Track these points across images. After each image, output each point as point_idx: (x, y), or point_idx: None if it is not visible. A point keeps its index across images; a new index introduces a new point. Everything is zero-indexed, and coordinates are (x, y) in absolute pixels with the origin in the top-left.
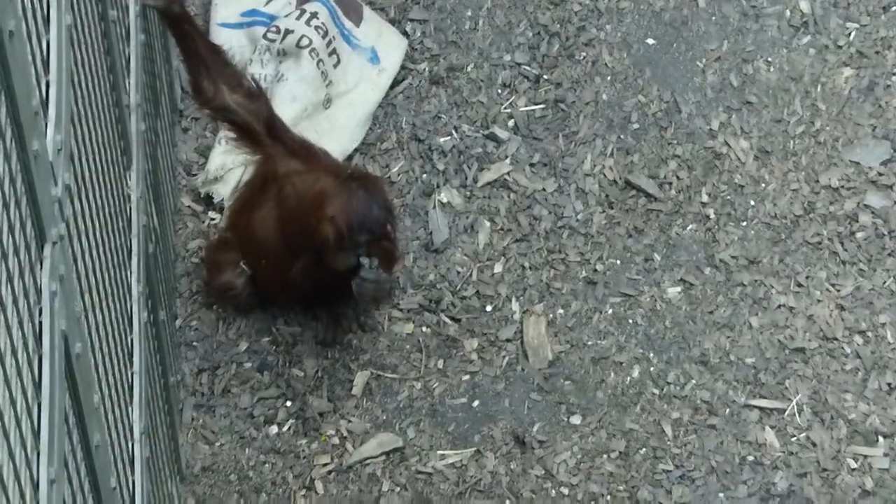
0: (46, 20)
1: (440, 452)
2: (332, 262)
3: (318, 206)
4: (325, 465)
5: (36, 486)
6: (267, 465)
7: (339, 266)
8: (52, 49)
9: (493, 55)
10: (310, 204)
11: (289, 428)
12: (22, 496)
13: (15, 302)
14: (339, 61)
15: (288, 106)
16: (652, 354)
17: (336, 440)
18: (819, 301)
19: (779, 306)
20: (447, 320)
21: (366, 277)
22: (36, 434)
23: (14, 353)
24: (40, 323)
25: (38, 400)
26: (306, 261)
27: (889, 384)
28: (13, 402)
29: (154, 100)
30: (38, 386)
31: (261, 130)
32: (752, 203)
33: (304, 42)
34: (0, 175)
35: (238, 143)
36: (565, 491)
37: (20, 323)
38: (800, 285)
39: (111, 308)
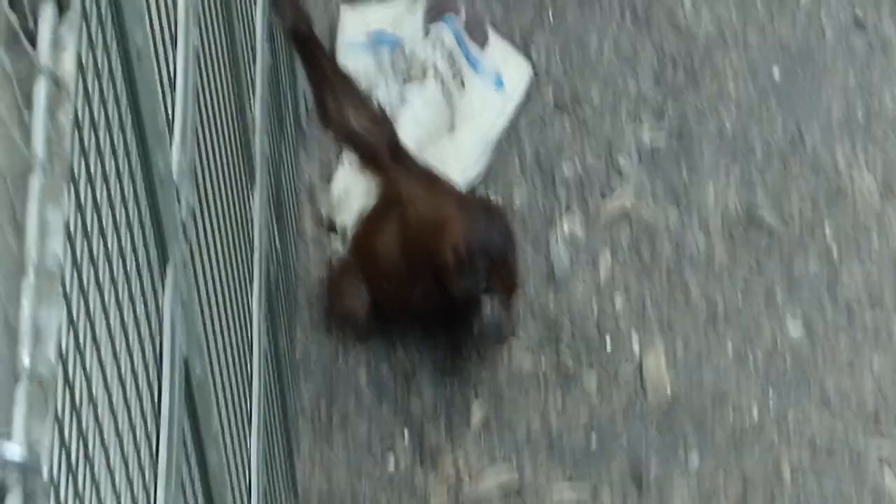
0: (174, 39)
1: (557, 488)
2: (452, 288)
3: (439, 231)
4: (441, 498)
5: None
6: (383, 497)
7: (459, 292)
8: (179, 69)
9: (618, 83)
10: (432, 229)
11: (406, 459)
12: None
13: (136, 324)
14: (463, 86)
15: (412, 130)
16: (771, 395)
17: (453, 473)
18: None
19: None
20: (567, 354)
21: (487, 320)
22: (154, 458)
23: (135, 376)
24: (161, 346)
25: (158, 424)
26: (428, 287)
27: None
28: (133, 427)
29: (279, 121)
30: (157, 410)
31: (384, 154)
32: (877, 239)
33: (430, 66)
34: (124, 195)
35: (362, 166)
36: None
37: (141, 346)
38: None
39: (232, 332)
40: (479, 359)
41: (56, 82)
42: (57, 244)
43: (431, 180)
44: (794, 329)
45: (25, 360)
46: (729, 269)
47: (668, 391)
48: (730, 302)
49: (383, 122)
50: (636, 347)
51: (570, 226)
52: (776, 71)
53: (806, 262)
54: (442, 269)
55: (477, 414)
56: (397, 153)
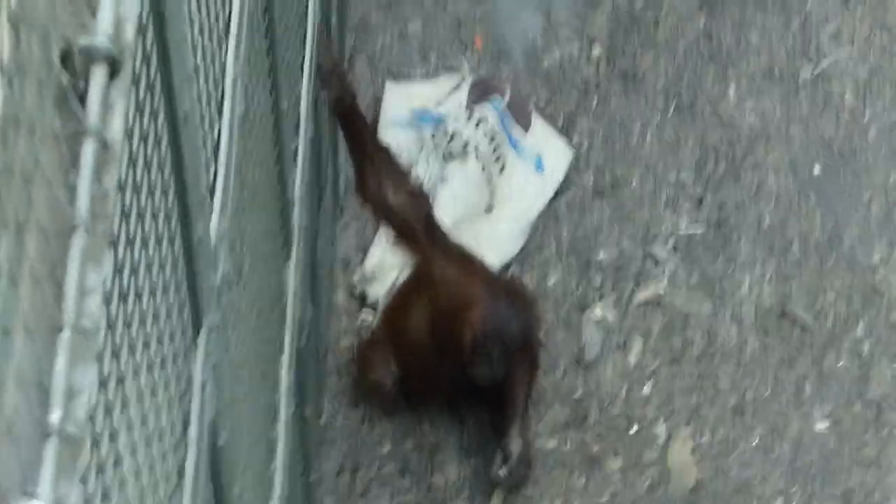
0: (220, 107)
1: None
2: (469, 370)
3: (463, 311)
4: None
5: None
6: None
7: (475, 375)
8: (224, 137)
9: (658, 171)
10: (457, 310)
11: None
12: None
13: (166, 387)
14: (504, 167)
15: (450, 208)
16: (795, 487)
17: None
18: None
19: None
20: (592, 438)
21: (503, 471)
22: None
23: (160, 437)
24: (188, 410)
25: (181, 487)
26: (454, 365)
27: None
28: (156, 488)
29: (318, 193)
30: (181, 473)
31: (420, 232)
32: None
33: (471, 146)
34: (162, 259)
35: (397, 242)
36: None
37: (169, 408)
38: None
39: (258, 399)
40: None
41: (104, 144)
42: (94, 304)
43: (465, 260)
44: (822, 426)
45: (56, 419)
46: (759, 362)
47: (693, 479)
48: (759, 393)
49: (421, 199)
50: (662, 433)
51: (602, 310)
52: (817, 167)
53: (837, 358)
54: (461, 351)
55: (498, 495)
56: (433, 231)
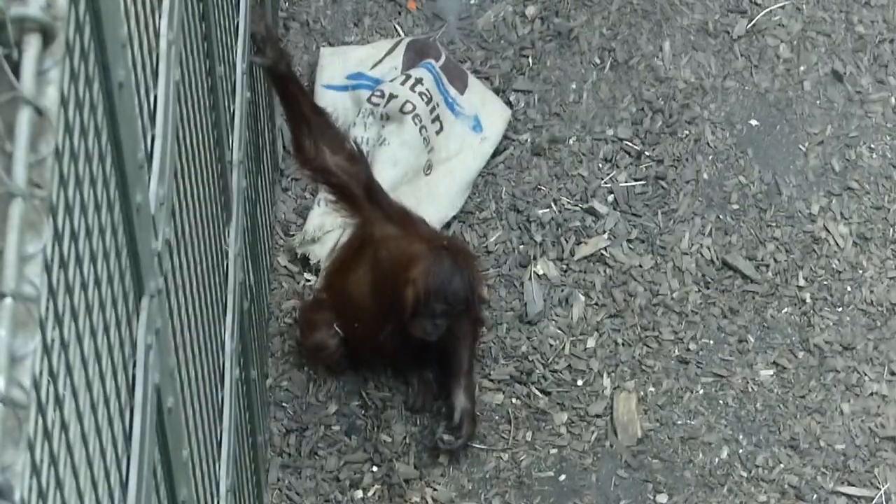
0: (155, 74)
1: None
2: (411, 328)
3: (404, 270)
4: None
5: None
6: None
7: (417, 333)
8: (160, 103)
9: (595, 129)
10: (400, 268)
11: (374, 493)
12: None
13: (110, 352)
14: (441, 128)
15: (389, 170)
16: (741, 436)
17: None
18: None
19: (871, 394)
20: (537, 392)
21: (448, 436)
22: (124, 486)
23: (106, 403)
24: (133, 375)
25: (129, 452)
26: (397, 326)
27: None
28: (103, 453)
29: (256, 157)
30: (128, 438)
31: (359, 194)
32: (849, 289)
33: (408, 107)
34: (102, 225)
35: (336, 205)
36: None
37: (114, 374)
38: (893, 374)
39: (203, 363)
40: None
41: (39, 112)
42: (35, 272)
43: (405, 220)
44: (766, 374)
45: (0, 386)
46: (702, 313)
47: (639, 430)
48: (702, 344)
49: (359, 162)
50: (607, 386)
51: (544, 267)
52: (754, 120)
53: (779, 307)
54: (404, 310)
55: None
56: (372, 193)
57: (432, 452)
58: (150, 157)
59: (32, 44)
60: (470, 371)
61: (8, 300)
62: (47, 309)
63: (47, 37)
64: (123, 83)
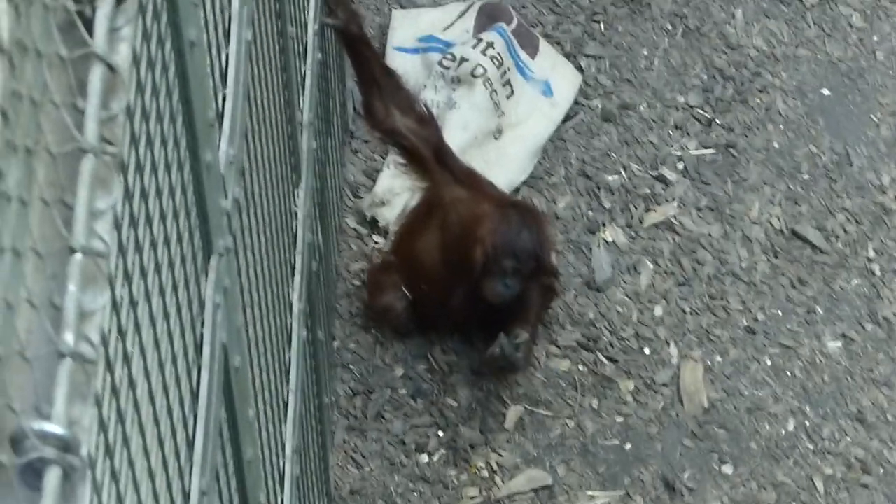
0: (227, 34)
1: (589, 493)
2: (482, 287)
3: (473, 230)
4: (473, 497)
5: (187, 497)
6: (415, 493)
7: (489, 295)
8: (231, 63)
9: (666, 95)
10: (468, 229)
11: (439, 457)
12: None
13: (178, 311)
14: (512, 92)
15: (458, 134)
16: (808, 408)
17: (486, 473)
18: None
19: None
20: (604, 360)
21: (500, 350)
22: (190, 445)
23: (174, 362)
24: (201, 334)
25: (195, 411)
26: (466, 289)
27: None
28: (170, 411)
29: (326, 119)
30: (195, 397)
31: (429, 156)
32: None
33: (479, 71)
34: (171, 184)
35: (406, 167)
36: None
37: (182, 332)
38: None
39: (271, 323)
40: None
41: (111, 69)
42: (105, 228)
43: (475, 184)
44: (833, 346)
45: (69, 341)
46: (770, 283)
47: (705, 399)
48: (770, 315)
49: (429, 124)
50: (674, 355)
51: (612, 234)
52: (825, 90)
53: (848, 279)
54: (474, 270)
55: (511, 416)
56: (442, 156)
57: (497, 410)
58: (220, 116)
59: (105, 1)
60: (535, 331)
61: (78, 255)
62: (116, 266)
63: None
64: (195, 42)
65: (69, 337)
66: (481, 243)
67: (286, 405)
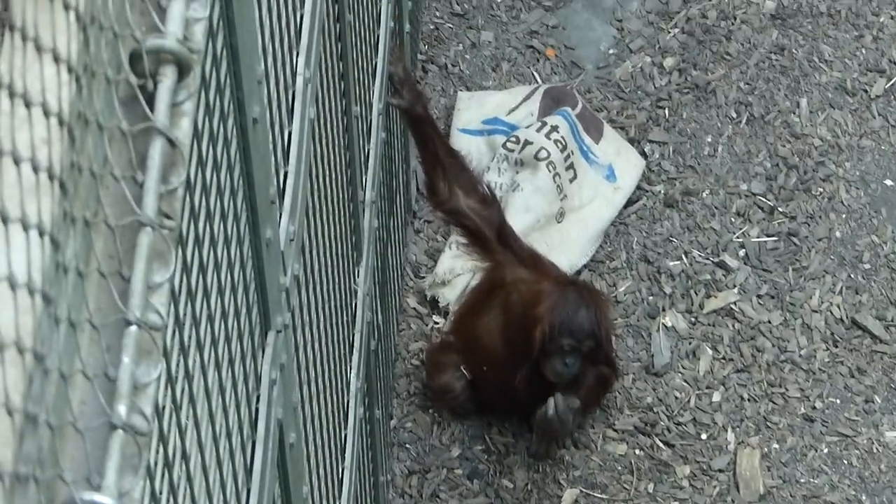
0: (290, 111)
1: None
2: (543, 369)
3: (533, 309)
4: None
5: None
6: None
7: (549, 374)
8: (294, 140)
9: (729, 183)
10: (529, 308)
11: None
12: None
13: (234, 385)
14: (575, 176)
15: (521, 216)
16: (864, 497)
17: None
18: None
19: None
20: (661, 444)
21: (553, 411)
22: None
23: (229, 436)
24: (257, 409)
25: (248, 486)
26: (526, 370)
27: None
28: (223, 486)
29: (389, 198)
30: (248, 472)
31: (491, 237)
32: None
33: (543, 154)
34: (231, 259)
35: (468, 248)
36: None
37: (237, 406)
38: None
39: (328, 401)
40: (572, 445)
41: (172, 144)
42: (161, 302)
43: (537, 265)
44: (892, 435)
45: (121, 413)
46: (829, 372)
47: (762, 486)
48: (828, 403)
49: (492, 206)
50: (731, 441)
51: (672, 319)
52: (889, 180)
53: None
54: (532, 349)
55: (567, 499)
56: (504, 236)
57: (552, 491)
58: (282, 193)
59: (168, 75)
60: (585, 410)
61: (133, 328)
62: (173, 339)
63: (183, 69)
64: (258, 119)
65: (122, 409)
66: (540, 322)
67: (341, 483)
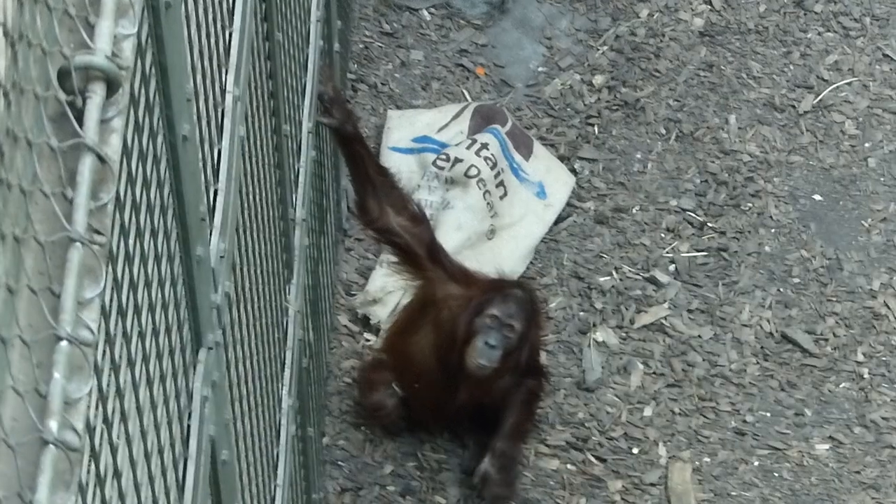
0: (220, 129)
1: None
2: (466, 359)
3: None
4: None
5: None
6: None
7: (472, 361)
8: (224, 158)
9: (659, 199)
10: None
11: None
12: None
13: (166, 402)
14: (506, 193)
15: (452, 234)
16: None
17: None
18: None
19: None
20: (593, 459)
21: (489, 472)
22: None
23: (161, 453)
24: (189, 426)
25: (181, 503)
26: (458, 386)
27: None
28: (156, 503)
29: (320, 217)
30: (181, 489)
31: (422, 254)
32: None
33: (473, 172)
34: (161, 276)
35: (399, 266)
36: None
37: (169, 424)
38: None
39: (260, 418)
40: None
41: (101, 160)
42: (91, 318)
43: (468, 280)
44: (822, 448)
45: (53, 429)
46: (760, 385)
47: (693, 500)
48: (759, 417)
49: (422, 223)
50: (663, 456)
51: (603, 335)
52: (817, 195)
53: (837, 382)
54: (464, 361)
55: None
56: (435, 254)
57: None
58: (212, 210)
59: (97, 92)
60: (513, 435)
61: (64, 343)
62: (104, 356)
63: (112, 86)
64: (188, 137)
65: (53, 425)
66: (468, 308)
67: (273, 500)
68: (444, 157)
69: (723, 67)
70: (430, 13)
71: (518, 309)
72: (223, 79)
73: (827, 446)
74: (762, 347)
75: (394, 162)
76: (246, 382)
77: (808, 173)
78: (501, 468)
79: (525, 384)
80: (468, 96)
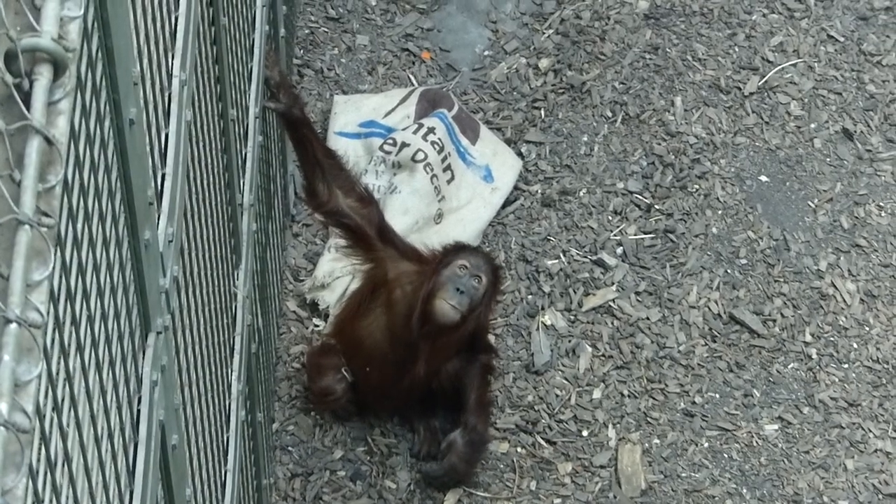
0: (167, 113)
1: None
2: (431, 310)
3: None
4: None
5: None
6: None
7: (438, 310)
8: (171, 142)
9: (606, 181)
10: (414, 302)
11: None
12: None
13: (115, 387)
14: (452, 177)
15: (399, 218)
16: (745, 490)
17: None
18: None
19: (875, 451)
20: (542, 442)
21: (458, 443)
22: None
23: (111, 437)
24: (139, 411)
25: (131, 488)
26: (409, 369)
27: None
28: (106, 487)
29: (267, 202)
30: (131, 474)
31: (373, 234)
32: (855, 346)
33: (420, 156)
34: (110, 261)
35: (349, 248)
36: None
37: (119, 409)
38: None
39: (210, 403)
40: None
41: (49, 142)
42: (40, 300)
43: (419, 257)
44: (770, 429)
45: (3, 411)
46: (707, 368)
47: (643, 482)
48: (707, 400)
49: (371, 204)
50: (612, 438)
51: (551, 318)
52: (763, 176)
53: (785, 363)
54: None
55: (450, 498)
56: (385, 233)
57: (435, 493)
58: (159, 195)
59: (43, 74)
60: (479, 408)
61: (13, 326)
62: (52, 340)
63: (58, 68)
64: (135, 121)
65: (3, 407)
66: (435, 256)
67: (224, 485)
68: (390, 141)
69: (668, 50)
70: None
71: (485, 263)
72: (170, 63)
73: (776, 427)
74: (710, 329)
75: (340, 147)
76: (195, 367)
77: (753, 154)
78: (469, 443)
79: (478, 359)
80: (414, 81)
